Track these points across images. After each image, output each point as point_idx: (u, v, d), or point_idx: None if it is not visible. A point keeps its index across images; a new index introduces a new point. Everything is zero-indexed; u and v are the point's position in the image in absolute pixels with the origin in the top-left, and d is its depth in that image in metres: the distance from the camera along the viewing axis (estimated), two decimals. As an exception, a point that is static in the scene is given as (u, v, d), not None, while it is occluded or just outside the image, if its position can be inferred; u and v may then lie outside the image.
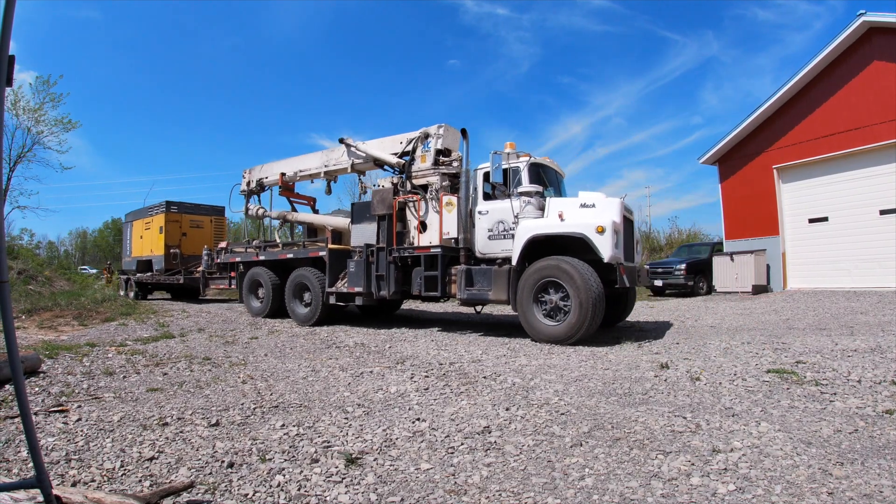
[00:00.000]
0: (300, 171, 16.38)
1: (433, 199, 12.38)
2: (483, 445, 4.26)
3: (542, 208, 11.07)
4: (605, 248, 9.79)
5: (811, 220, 19.65)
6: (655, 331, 11.02)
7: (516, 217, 11.08)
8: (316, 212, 17.78)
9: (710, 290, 21.81)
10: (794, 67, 19.39)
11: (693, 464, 3.78)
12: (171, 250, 22.07)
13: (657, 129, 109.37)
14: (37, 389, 6.26)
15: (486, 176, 11.83)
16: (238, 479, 3.73)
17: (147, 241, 23.71)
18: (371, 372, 7.31)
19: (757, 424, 4.61)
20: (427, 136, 12.90)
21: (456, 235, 11.77)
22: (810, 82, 19.57)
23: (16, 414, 5.13)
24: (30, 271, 20.36)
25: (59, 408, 5.46)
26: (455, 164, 12.41)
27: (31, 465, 3.63)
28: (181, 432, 4.77)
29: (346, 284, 13.24)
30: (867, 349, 7.70)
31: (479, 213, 11.76)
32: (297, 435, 4.67)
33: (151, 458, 4.13)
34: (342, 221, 14.93)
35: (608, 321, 11.77)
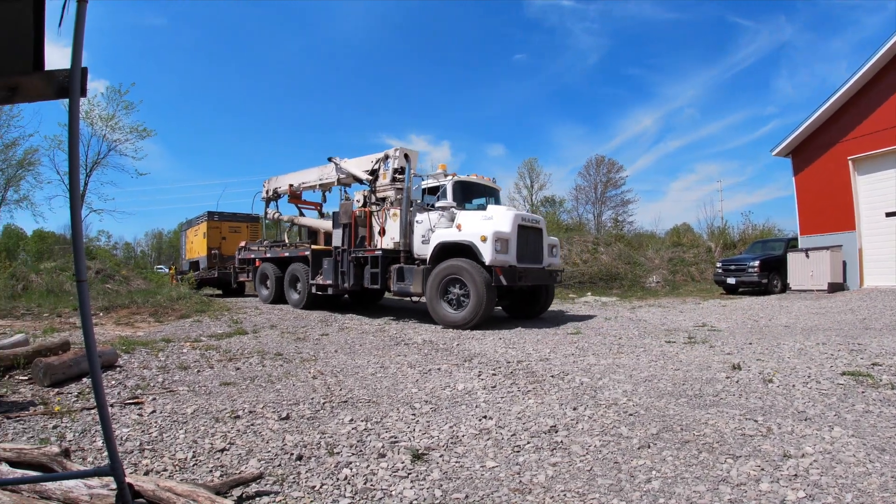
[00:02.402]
0: (302, 183, 19.75)
1: (388, 209, 14.89)
2: (549, 445, 4.22)
3: (452, 219, 13.47)
4: (486, 253, 12.25)
5: (888, 214, 18.61)
6: (728, 330, 10.76)
7: (433, 227, 13.67)
8: (323, 216, 20.58)
9: (785, 287, 20.93)
10: (870, 50, 18.37)
11: (763, 469, 3.68)
12: (212, 251, 25.50)
13: (730, 120, 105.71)
14: (113, 383, 6.45)
15: (426, 191, 14.64)
16: (306, 472, 3.80)
17: (196, 245, 27.67)
18: (439, 369, 7.32)
19: (830, 429, 4.45)
20: (387, 157, 15.57)
21: (399, 240, 14.30)
22: (886, 66, 18.53)
23: (93, 405, 5.32)
24: (107, 271, 21.27)
25: (135, 400, 5.63)
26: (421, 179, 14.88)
27: (105, 454, 3.77)
28: (252, 425, 4.87)
29: (322, 278, 16.46)
30: None
31: (417, 222, 14.26)
32: (364, 430, 4.71)
33: (223, 450, 4.24)
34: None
35: (527, 314, 14.67)
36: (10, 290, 17.16)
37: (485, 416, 5.03)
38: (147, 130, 46.50)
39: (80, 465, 3.66)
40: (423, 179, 14.63)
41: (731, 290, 22.01)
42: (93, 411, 5.18)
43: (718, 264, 23.09)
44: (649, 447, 4.12)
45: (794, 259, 20.35)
